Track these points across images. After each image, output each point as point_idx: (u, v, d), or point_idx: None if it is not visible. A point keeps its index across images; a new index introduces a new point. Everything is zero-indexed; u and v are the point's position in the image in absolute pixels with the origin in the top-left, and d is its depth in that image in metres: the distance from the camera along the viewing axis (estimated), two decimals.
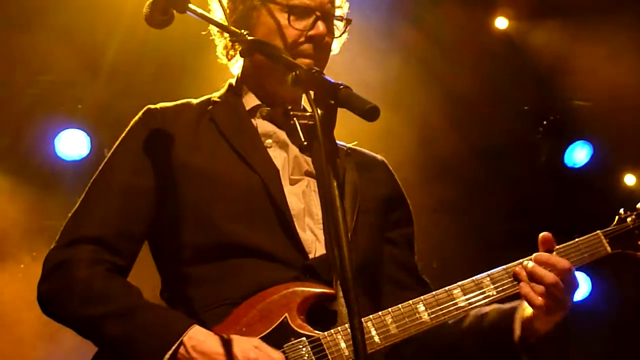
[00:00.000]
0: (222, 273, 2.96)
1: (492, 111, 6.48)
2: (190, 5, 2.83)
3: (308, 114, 2.86)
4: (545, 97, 6.50)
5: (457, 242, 6.45)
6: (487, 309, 3.10)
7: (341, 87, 2.48)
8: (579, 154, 6.77)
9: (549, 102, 6.59)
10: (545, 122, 6.75)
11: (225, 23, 2.97)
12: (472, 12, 6.18)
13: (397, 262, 3.24)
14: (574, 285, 2.99)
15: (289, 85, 2.72)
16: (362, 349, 2.35)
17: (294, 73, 2.58)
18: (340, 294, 2.95)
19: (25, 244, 6.17)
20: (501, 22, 6.35)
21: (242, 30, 2.81)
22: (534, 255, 3.01)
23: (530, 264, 2.99)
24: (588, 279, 6.87)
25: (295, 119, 2.54)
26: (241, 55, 2.87)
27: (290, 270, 2.97)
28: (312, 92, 2.52)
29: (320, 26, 3.07)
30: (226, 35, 3.15)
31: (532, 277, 2.97)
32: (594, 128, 6.46)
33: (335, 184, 2.40)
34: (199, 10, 2.88)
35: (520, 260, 3.03)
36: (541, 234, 3.05)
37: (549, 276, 2.95)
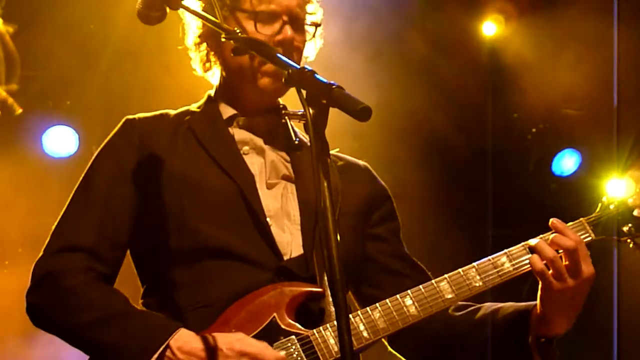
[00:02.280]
0: (199, 276, 3.01)
1: (481, 118, 6.50)
2: (184, 3, 2.84)
3: (300, 113, 2.87)
4: (534, 104, 6.51)
5: (442, 248, 6.46)
6: (500, 304, 3.17)
7: (333, 87, 2.49)
8: (567, 163, 6.79)
9: (537, 110, 6.61)
10: (534, 130, 6.77)
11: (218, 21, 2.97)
12: (461, 19, 6.21)
13: (388, 253, 3.28)
14: (587, 262, 3.07)
15: (263, 84, 2.90)
16: (349, 351, 2.39)
17: (286, 72, 2.58)
18: (328, 292, 2.97)
19: (12, 239, 6.15)
20: (489, 28, 6.37)
21: (236, 29, 2.81)
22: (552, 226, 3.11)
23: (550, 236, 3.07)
24: None
25: (287, 117, 2.55)
26: (234, 54, 2.88)
27: (266, 272, 3.01)
28: (304, 91, 2.53)
29: (288, 30, 3.09)
30: (202, 48, 3.19)
31: (551, 244, 3.05)
32: (582, 136, 6.48)
33: (325, 183, 2.41)
34: (192, 8, 2.88)
35: (523, 243, 3.12)
36: (551, 221, 3.12)
37: (568, 242, 3.03)
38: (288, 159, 3.17)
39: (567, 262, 3.05)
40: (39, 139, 6.27)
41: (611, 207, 3.28)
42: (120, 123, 3.16)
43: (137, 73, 5.91)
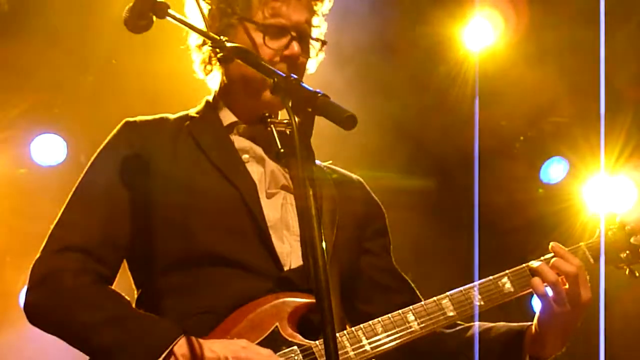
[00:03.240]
0: (199, 283, 3.00)
1: (467, 127, 6.51)
2: (170, 11, 2.84)
3: (285, 121, 2.89)
4: (521, 113, 6.52)
5: (429, 255, 6.47)
6: (492, 323, 3.23)
7: (319, 95, 2.50)
8: (555, 170, 6.80)
9: (525, 119, 6.61)
10: (522, 138, 6.77)
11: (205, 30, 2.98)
12: (448, 27, 6.21)
13: (379, 268, 3.31)
14: (585, 286, 3.12)
15: (267, 97, 2.85)
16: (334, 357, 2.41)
17: (272, 80, 2.59)
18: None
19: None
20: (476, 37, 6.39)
21: (222, 37, 2.82)
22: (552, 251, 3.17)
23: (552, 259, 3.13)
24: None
25: (272, 125, 2.57)
26: (220, 62, 2.89)
27: (266, 281, 3.01)
28: (289, 100, 2.54)
29: (295, 46, 3.10)
30: (204, 49, 3.18)
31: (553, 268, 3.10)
32: (569, 144, 6.48)
33: (311, 192, 2.42)
34: (179, 16, 2.88)
35: (524, 265, 3.17)
36: (551, 245, 3.18)
37: (568, 267, 3.09)
38: (287, 169, 3.17)
39: (567, 287, 3.10)
40: (27, 147, 6.25)
41: (609, 233, 3.31)
42: (120, 125, 3.15)
43: (126, 81, 5.90)
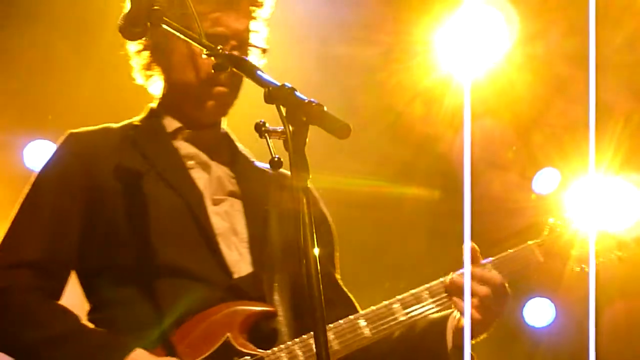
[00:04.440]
0: (149, 294, 3.01)
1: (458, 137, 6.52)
2: (166, 19, 2.85)
3: (279, 130, 2.90)
4: (512, 123, 6.53)
5: (422, 264, 6.48)
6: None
7: (313, 104, 2.51)
8: (547, 181, 6.80)
9: (516, 129, 6.62)
10: (514, 148, 6.78)
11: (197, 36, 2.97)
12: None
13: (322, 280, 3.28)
14: (505, 297, 3.12)
15: (209, 104, 2.94)
16: None
17: (266, 90, 2.60)
18: (280, 312, 2.99)
19: None
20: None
21: (218, 46, 2.82)
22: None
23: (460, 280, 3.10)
24: (552, 305, 6.90)
25: (266, 134, 2.59)
26: (214, 70, 2.90)
27: (216, 290, 3.02)
28: (283, 109, 2.55)
29: (235, 54, 3.09)
30: (143, 55, 3.18)
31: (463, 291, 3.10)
32: (561, 154, 6.50)
33: (305, 199, 2.43)
34: (174, 24, 2.89)
35: (454, 274, 3.15)
36: (471, 246, 3.17)
37: (482, 290, 3.07)
38: (233, 174, 3.19)
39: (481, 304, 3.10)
40: (20, 153, 6.24)
41: (558, 230, 3.31)
42: (64, 137, 3.15)
43: (119, 88, 5.89)
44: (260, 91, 2.60)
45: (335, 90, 5.80)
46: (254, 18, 3.21)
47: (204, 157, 3.17)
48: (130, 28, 2.85)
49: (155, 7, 2.82)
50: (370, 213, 6.29)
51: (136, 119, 3.25)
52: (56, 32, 5.79)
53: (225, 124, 3.29)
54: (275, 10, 4.92)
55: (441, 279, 3.17)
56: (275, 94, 2.57)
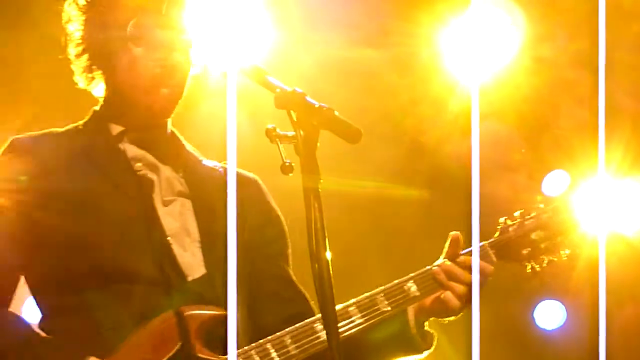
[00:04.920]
0: (101, 300, 2.97)
1: (465, 138, 6.50)
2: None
3: (290, 135, 2.90)
4: (521, 125, 6.53)
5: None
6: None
7: (324, 108, 2.50)
8: (556, 184, 6.79)
9: (525, 131, 6.62)
10: (523, 150, 6.78)
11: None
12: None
13: (273, 276, 3.26)
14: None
15: (154, 106, 2.94)
16: None
17: (276, 94, 2.59)
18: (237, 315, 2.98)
19: None
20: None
21: None
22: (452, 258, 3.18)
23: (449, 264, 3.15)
24: (563, 307, 6.89)
25: (277, 139, 2.58)
26: (220, 76, 2.88)
27: (170, 293, 2.99)
28: (294, 113, 2.54)
29: (178, 56, 3.10)
30: (83, 58, 3.16)
31: (452, 277, 3.13)
32: (569, 156, 6.49)
33: (317, 205, 2.42)
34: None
35: (423, 269, 3.18)
36: (453, 234, 3.20)
37: (468, 276, 3.12)
38: (181, 174, 3.16)
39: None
40: None
41: (510, 230, 3.30)
42: (7, 144, 3.11)
43: (62, 92, 5.86)
44: (269, 96, 2.60)
45: (340, 93, 5.79)
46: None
47: (151, 158, 3.14)
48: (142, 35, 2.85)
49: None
50: (376, 215, 6.29)
51: (80, 123, 3.21)
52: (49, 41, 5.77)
53: (170, 124, 3.27)
54: (279, 12, 4.93)
55: (396, 281, 3.17)
56: (285, 99, 2.57)
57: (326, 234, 2.45)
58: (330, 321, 2.45)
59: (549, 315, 6.56)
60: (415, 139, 6.41)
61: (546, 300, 6.52)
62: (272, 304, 3.20)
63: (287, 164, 2.57)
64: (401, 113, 6.30)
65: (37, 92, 5.58)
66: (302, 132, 2.50)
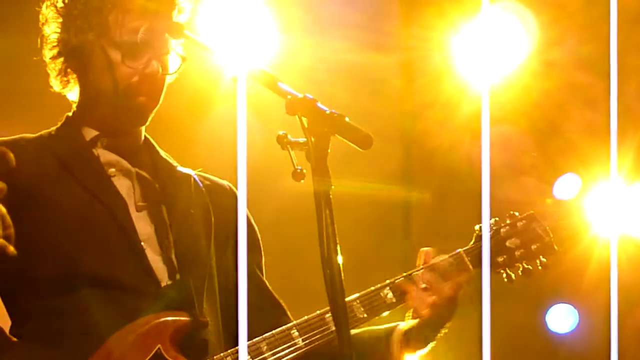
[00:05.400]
0: (75, 306, 2.95)
1: (476, 141, 6.49)
2: (186, 32, 2.85)
3: (301, 141, 2.90)
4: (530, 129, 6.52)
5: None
6: (357, 331, 3.18)
7: (335, 115, 2.50)
8: (568, 188, 6.77)
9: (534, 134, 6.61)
10: (534, 154, 6.77)
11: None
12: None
13: (251, 287, 3.22)
14: (454, 303, 3.15)
15: (130, 111, 2.92)
16: None
17: (288, 101, 2.59)
18: (210, 321, 2.98)
19: None
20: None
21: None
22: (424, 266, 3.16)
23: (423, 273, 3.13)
24: (575, 311, 6.87)
25: (289, 146, 2.58)
26: (229, 82, 2.87)
27: (145, 299, 2.98)
28: (305, 119, 2.55)
29: (155, 64, 3.06)
30: (59, 61, 3.12)
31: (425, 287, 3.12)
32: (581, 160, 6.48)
33: (328, 212, 2.43)
34: (194, 37, 2.89)
35: (400, 276, 3.17)
36: (423, 250, 3.20)
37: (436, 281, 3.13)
38: (155, 180, 3.14)
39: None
40: None
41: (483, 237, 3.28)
42: None
43: (34, 96, 5.84)
44: (281, 102, 2.60)
45: (350, 97, 5.80)
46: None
47: (125, 164, 3.12)
48: (153, 42, 2.84)
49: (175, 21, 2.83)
50: (386, 219, 6.29)
51: (53, 129, 3.18)
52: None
53: (144, 130, 3.24)
54: (288, 17, 4.93)
55: (372, 288, 3.17)
56: (296, 105, 2.56)
57: (337, 240, 2.44)
58: (343, 326, 2.44)
59: (562, 318, 6.55)
60: (426, 143, 6.41)
61: (558, 304, 6.52)
62: (251, 314, 3.16)
63: (299, 170, 2.57)
64: (411, 117, 6.31)
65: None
66: (313, 139, 2.50)
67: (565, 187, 6.75)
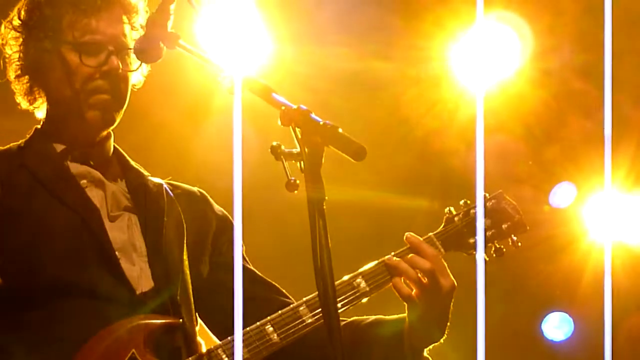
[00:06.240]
0: (50, 316, 2.95)
1: (471, 149, 6.50)
2: (181, 41, 2.85)
3: (295, 152, 2.91)
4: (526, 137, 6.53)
5: None
6: (369, 319, 3.20)
7: (329, 126, 2.51)
8: (564, 196, 6.78)
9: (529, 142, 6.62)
10: (529, 162, 6.78)
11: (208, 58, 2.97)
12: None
13: (244, 279, 3.23)
14: (446, 282, 3.09)
15: (91, 122, 2.93)
16: None
17: (281, 111, 2.60)
18: (186, 325, 2.99)
19: None
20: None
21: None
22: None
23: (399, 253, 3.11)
24: (570, 319, 6.89)
25: (282, 157, 2.59)
26: (229, 93, 2.88)
27: (120, 307, 2.98)
28: (298, 130, 2.55)
29: (115, 61, 3.07)
30: (24, 80, 3.14)
31: (410, 265, 3.09)
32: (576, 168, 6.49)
33: (322, 223, 2.43)
34: (189, 47, 2.89)
35: (372, 264, 3.16)
36: (409, 235, 3.18)
37: (424, 263, 3.08)
38: (127, 189, 3.15)
39: (426, 281, 3.08)
40: None
41: (456, 219, 3.26)
42: None
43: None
44: (275, 113, 2.61)
45: (349, 105, 5.81)
46: (130, 24, 3.14)
47: (97, 174, 3.12)
48: (148, 51, 2.85)
49: (171, 30, 2.83)
50: (383, 225, 6.30)
51: (22, 142, 3.18)
52: None
53: (112, 140, 3.24)
54: (287, 26, 4.93)
55: (346, 277, 3.15)
56: (290, 116, 2.57)
57: (330, 251, 2.45)
58: (336, 335, 2.44)
59: (557, 326, 6.56)
60: (423, 150, 6.42)
61: (554, 312, 6.52)
62: (253, 303, 3.17)
63: (292, 181, 2.57)
64: (408, 125, 6.32)
65: None
66: (306, 149, 2.50)
67: (561, 195, 6.77)
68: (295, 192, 2.81)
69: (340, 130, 2.51)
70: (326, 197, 2.49)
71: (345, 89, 5.92)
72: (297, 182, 2.57)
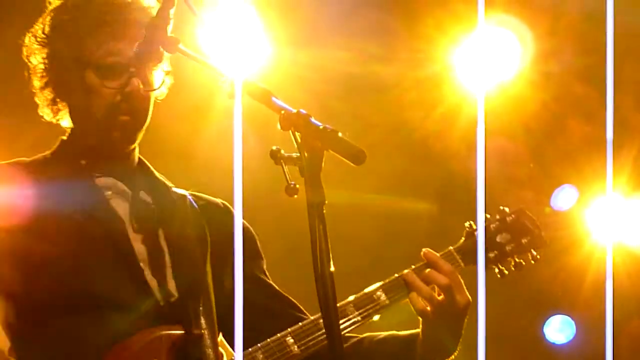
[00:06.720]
0: (75, 326, 2.96)
1: (472, 153, 6.49)
2: (180, 46, 2.85)
3: (295, 156, 2.91)
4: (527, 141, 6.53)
5: None
6: (381, 335, 3.22)
7: (328, 130, 2.51)
8: (565, 199, 6.79)
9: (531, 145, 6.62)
10: (531, 165, 6.78)
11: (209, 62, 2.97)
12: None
13: (260, 294, 3.26)
14: (461, 298, 3.12)
15: (114, 133, 2.93)
16: None
17: (281, 116, 2.60)
18: (206, 336, 3.02)
19: None
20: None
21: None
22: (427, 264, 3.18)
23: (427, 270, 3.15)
24: (572, 322, 6.89)
25: (282, 161, 2.59)
26: (229, 98, 2.89)
27: (143, 318, 2.98)
28: (298, 134, 2.55)
29: (136, 82, 3.05)
30: (47, 91, 3.14)
31: (426, 281, 3.13)
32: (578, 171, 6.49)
33: (322, 227, 2.43)
34: (189, 51, 2.88)
35: (393, 277, 3.20)
36: (426, 251, 3.21)
37: (442, 279, 3.11)
38: (151, 201, 3.16)
39: (442, 297, 3.12)
40: None
41: (475, 234, 3.29)
42: None
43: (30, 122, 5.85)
44: (275, 117, 2.61)
45: (350, 108, 5.81)
46: None
47: (121, 186, 3.13)
48: (148, 55, 2.85)
49: (171, 35, 2.82)
50: (384, 228, 6.30)
51: (48, 153, 3.19)
52: None
53: (138, 152, 3.24)
54: (288, 29, 4.93)
55: (364, 291, 3.18)
56: (290, 120, 2.56)
57: (331, 255, 2.45)
58: (336, 340, 2.45)
59: (559, 329, 6.56)
60: (424, 153, 6.42)
61: (556, 315, 6.52)
62: (267, 319, 3.20)
63: (292, 185, 2.57)
64: (409, 127, 6.32)
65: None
66: (306, 154, 2.50)
67: (563, 198, 6.77)
68: (295, 196, 2.82)
69: (339, 134, 2.52)
70: (326, 201, 2.49)
71: (346, 93, 5.92)
72: (297, 186, 2.56)
